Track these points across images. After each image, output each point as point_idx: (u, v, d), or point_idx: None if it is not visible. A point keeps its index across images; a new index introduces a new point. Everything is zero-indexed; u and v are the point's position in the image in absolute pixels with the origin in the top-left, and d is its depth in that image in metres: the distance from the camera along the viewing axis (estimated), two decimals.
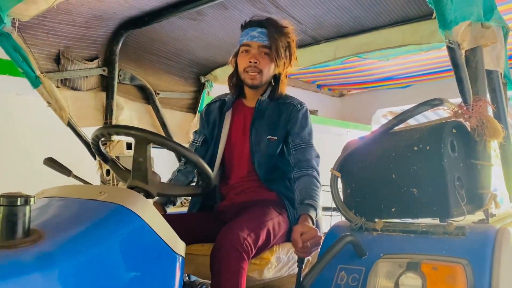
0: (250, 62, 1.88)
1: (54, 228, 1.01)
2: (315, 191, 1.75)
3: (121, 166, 1.56)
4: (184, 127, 2.94)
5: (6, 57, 2.72)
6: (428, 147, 1.30)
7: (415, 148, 1.32)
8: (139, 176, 1.37)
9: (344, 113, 6.00)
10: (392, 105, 5.94)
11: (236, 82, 2.02)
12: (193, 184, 2.02)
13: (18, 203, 0.93)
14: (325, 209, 2.02)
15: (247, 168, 1.94)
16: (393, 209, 1.36)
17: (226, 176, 1.99)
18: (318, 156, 1.91)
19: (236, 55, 1.99)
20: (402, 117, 1.41)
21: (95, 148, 1.57)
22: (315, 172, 1.83)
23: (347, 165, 1.49)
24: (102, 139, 1.54)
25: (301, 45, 2.58)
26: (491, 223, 1.32)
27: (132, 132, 1.39)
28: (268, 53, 1.88)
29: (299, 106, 1.97)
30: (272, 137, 1.91)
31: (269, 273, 1.64)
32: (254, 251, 1.57)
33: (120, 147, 2.32)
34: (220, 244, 1.52)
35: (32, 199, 0.95)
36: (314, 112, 5.01)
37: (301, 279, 1.30)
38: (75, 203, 1.15)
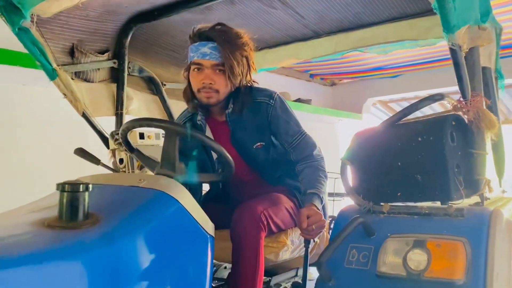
0: (203, 83, 1.76)
1: (107, 212, 1.13)
2: (318, 179, 1.80)
3: (147, 155, 1.67)
4: None
5: (12, 47, 2.78)
6: (431, 138, 1.45)
7: (419, 139, 1.47)
8: (167, 165, 1.49)
9: (335, 102, 6.15)
10: (382, 94, 6.11)
11: (192, 99, 1.89)
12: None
13: (80, 190, 1.05)
14: (329, 194, 2.16)
15: (248, 174, 1.98)
16: (398, 194, 1.51)
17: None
18: (314, 144, 1.91)
19: (188, 69, 1.86)
20: (407, 110, 1.55)
21: (123, 138, 1.67)
22: (317, 161, 1.87)
23: (356, 154, 1.63)
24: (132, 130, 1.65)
25: (302, 39, 2.71)
26: (486, 205, 1.48)
27: (163, 125, 1.51)
28: (223, 70, 1.75)
29: (271, 101, 1.87)
30: (259, 143, 1.88)
31: (284, 255, 1.78)
32: (270, 225, 1.67)
33: (133, 137, 2.42)
34: (239, 216, 1.63)
35: (91, 185, 1.07)
36: (308, 101, 5.13)
37: (319, 257, 1.44)
38: (119, 189, 1.27)
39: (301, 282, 1.84)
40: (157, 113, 2.85)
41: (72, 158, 2.28)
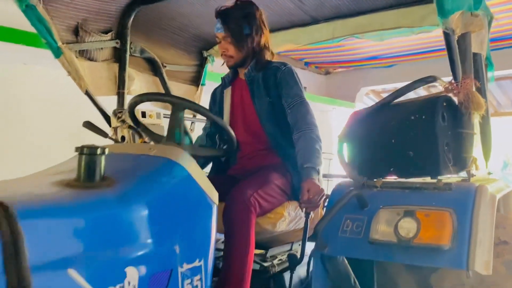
0: (221, 52, 2.15)
1: (121, 176, 1.20)
2: (313, 153, 1.91)
3: (152, 130, 1.75)
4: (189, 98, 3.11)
5: (14, 25, 2.82)
6: (423, 117, 1.54)
7: (412, 118, 1.56)
8: (172, 139, 1.57)
9: (329, 90, 6.24)
10: (376, 83, 6.21)
11: None
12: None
13: (98, 153, 1.12)
14: (323, 175, 2.25)
15: (255, 135, 2.14)
16: (391, 169, 1.61)
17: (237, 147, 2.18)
18: (310, 111, 2.06)
19: None
20: (401, 91, 1.64)
21: (130, 113, 1.74)
22: (311, 130, 1.98)
23: (352, 132, 1.72)
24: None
25: (301, 24, 2.77)
26: (472, 182, 1.58)
27: (170, 99, 1.58)
28: (230, 41, 2.08)
29: (282, 67, 2.13)
30: (270, 99, 2.11)
31: (281, 226, 1.87)
32: (260, 206, 1.77)
33: (136, 115, 2.48)
34: (231, 201, 1.73)
35: (107, 149, 1.14)
36: None
37: (314, 227, 1.54)
38: (131, 157, 1.35)
39: (296, 254, 1.93)
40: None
41: (72, 135, 2.34)
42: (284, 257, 2.08)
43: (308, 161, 1.88)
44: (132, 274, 1.06)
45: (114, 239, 1.06)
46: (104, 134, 1.90)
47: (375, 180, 1.63)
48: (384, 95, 7.12)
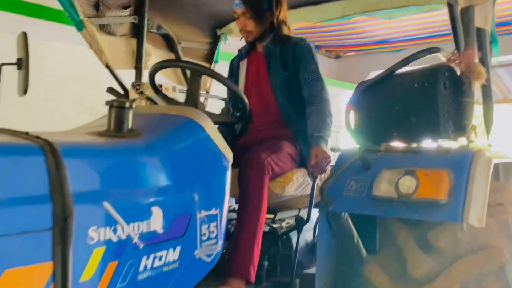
0: (239, 27, 2.23)
1: (147, 130, 1.32)
2: (323, 124, 2.00)
3: (169, 97, 1.86)
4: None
5: (35, 1, 2.93)
6: (425, 84, 1.64)
7: (415, 86, 1.66)
8: (191, 103, 1.68)
9: (339, 74, 6.30)
10: (385, 67, 6.24)
11: None
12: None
13: (126, 106, 1.25)
14: (332, 149, 2.37)
15: (268, 107, 2.24)
16: (394, 134, 1.71)
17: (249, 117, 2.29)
18: (324, 88, 2.14)
19: None
20: (405, 61, 1.74)
21: (151, 80, 1.86)
22: (324, 106, 2.07)
23: (359, 101, 1.82)
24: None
25: (312, 3, 2.86)
26: (470, 147, 1.68)
27: (189, 66, 1.69)
28: (249, 16, 2.16)
29: (302, 42, 2.20)
30: (286, 73, 2.19)
31: (289, 190, 1.99)
32: (273, 169, 1.89)
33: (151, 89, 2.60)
34: (246, 163, 1.84)
35: (134, 104, 1.26)
36: None
37: (321, 186, 1.65)
38: (154, 115, 1.47)
39: (303, 217, 2.05)
40: (171, 69, 3.03)
41: (88, 110, 2.45)
42: (292, 221, 2.20)
43: (319, 131, 1.98)
44: (157, 213, 1.19)
45: (142, 181, 1.19)
46: (126, 98, 2.02)
47: (380, 144, 1.74)
48: None
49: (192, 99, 1.67)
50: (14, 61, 1.82)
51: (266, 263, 1.99)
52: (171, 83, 2.94)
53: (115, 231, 1.06)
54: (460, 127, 1.69)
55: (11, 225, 0.87)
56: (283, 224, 2.16)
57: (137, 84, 2.65)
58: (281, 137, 2.16)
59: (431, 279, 1.48)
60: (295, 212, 2.29)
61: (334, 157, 2.05)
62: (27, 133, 1.04)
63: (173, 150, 1.33)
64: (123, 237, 1.09)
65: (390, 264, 1.60)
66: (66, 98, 3.50)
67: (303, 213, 2.33)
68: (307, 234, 2.24)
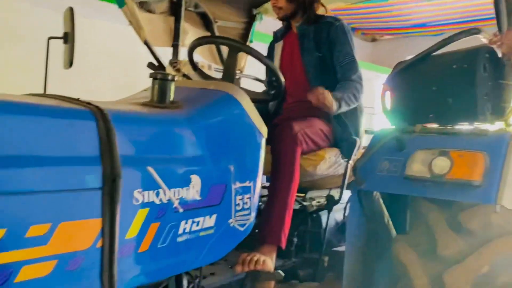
0: (272, 3, 2.24)
1: (186, 102, 1.38)
2: (346, 92, 2.00)
3: (206, 73, 1.91)
4: None
5: None
6: (464, 66, 1.62)
7: (454, 67, 1.64)
8: (228, 79, 1.72)
9: (374, 58, 6.20)
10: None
11: None
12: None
13: (169, 78, 1.30)
14: (366, 131, 2.37)
15: (302, 87, 2.25)
16: (431, 115, 1.71)
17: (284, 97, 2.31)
18: (358, 69, 2.13)
19: None
20: (443, 42, 1.72)
21: (190, 55, 1.91)
22: (353, 83, 2.07)
23: (395, 81, 1.82)
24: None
25: None
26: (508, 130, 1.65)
27: (228, 42, 1.73)
28: None
29: (336, 22, 2.18)
30: (319, 54, 2.19)
31: (321, 169, 2.02)
32: (306, 143, 1.91)
33: (188, 67, 2.66)
34: (280, 135, 1.87)
35: (176, 77, 1.32)
36: None
37: (354, 163, 1.67)
38: (192, 90, 1.52)
39: (333, 196, 2.08)
40: (207, 48, 3.07)
41: (124, 87, 2.54)
42: (322, 200, 2.23)
43: (338, 94, 1.97)
44: (196, 181, 1.25)
45: (182, 150, 1.25)
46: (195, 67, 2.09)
47: (415, 125, 1.74)
48: None
49: (229, 75, 1.71)
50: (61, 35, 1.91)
51: (295, 239, 2.03)
52: (207, 61, 2.99)
53: (157, 194, 1.13)
54: (498, 110, 1.67)
55: (66, 182, 0.95)
56: (313, 203, 2.20)
57: (174, 62, 2.72)
58: (314, 116, 2.17)
59: (460, 259, 1.49)
60: (325, 192, 2.32)
61: (368, 139, 2.06)
62: (78, 99, 1.11)
63: (212, 122, 1.38)
64: (165, 200, 1.15)
65: (419, 244, 1.61)
66: (104, 74, 3.62)
67: (333, 193, 2.36)
68: (337, 214, 2.27)
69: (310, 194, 2.23)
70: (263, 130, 1.58)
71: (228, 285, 1.71)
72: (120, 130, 1.06)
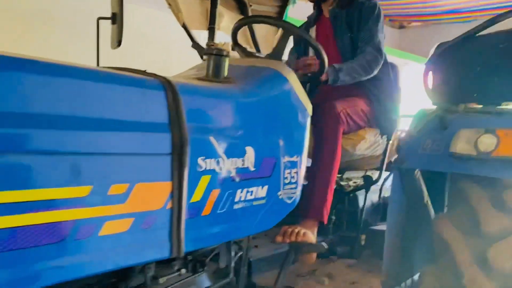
0: None
1: (238, 78, 1.43)
2: (351, 62, 2.02)
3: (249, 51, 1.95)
4: (269, 39, 3.28)
5: None
6: None
7: (500, 46, 1.64)
8: (277, 55, 1.76)
9: (402, 45, 6.13)
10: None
11: None
12: None
13: (224, 54, 1.35)
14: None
15: None
16: (474, 95, 1.71)
17: None
18: (378, 45, 2.13)
19: None
20: (488, 22, 1.72)
21: (233, 36, 1.96)
22: (366, 54, 2.08)
23: (438, 61, 1.83)
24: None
25: None
26: None
27: (275, 22, 1.77)
28: None
29: (367, 2, 2.21)
30: (352, 35, 2.21)
31: (361, 148, 2.05)
32: (347, 122, 1.95)
33: (227, 46, 2.71)
34: (322, 114, 1.91)
35: (229, 53, 1.37)
36: None
37: (398, 141, 1.70)
38: (242, 67, 1.57)
39: (371, 176, 2.11)
40: (242, 31, 3.11)
41: (159, 71, 2.59)
42: (359, 181, 2.27)
43: (340, 65, 1.98)
44: (250, 153, 1.30)
45: (239, 123, 1.30)
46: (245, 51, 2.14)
47: (458, 104, 1.75)
48: None
49: (277, 54, 1.75)
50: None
51: (333, 218, 2.09)
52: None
53: (218, 163, 1.19)
54: None
55: (140, 146, 1.01)
56: (350, 183, 2.24)
57: (211, 44, 2.76)
58: (354, 96, 2.20)
59: (505, 235, 1.50)
60: (361, 173, 2.35)
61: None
62: (145, 71, 1.17)
63: (263, 98, 1.43)
64: (224, 169, 1.21)
65: (461, 221, 1.63)
66: (140, 59, 3.70)
67: (370, 174, 2.39)
68: (374, 194, 2.30)
69: (347, 174, 2.27)
70: (309, 107, 1.62)
71: (270, 257, 1.78)
72: (186, 100, 1.12)
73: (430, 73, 1.84)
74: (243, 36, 3.13)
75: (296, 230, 1.71)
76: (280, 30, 3.34)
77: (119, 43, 1.95)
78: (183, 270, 1.33)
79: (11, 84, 0.79)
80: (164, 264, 1.26)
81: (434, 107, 1.82)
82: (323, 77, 1.92)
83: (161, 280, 1.24)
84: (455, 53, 1.79)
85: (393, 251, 1.79)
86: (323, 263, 2.01)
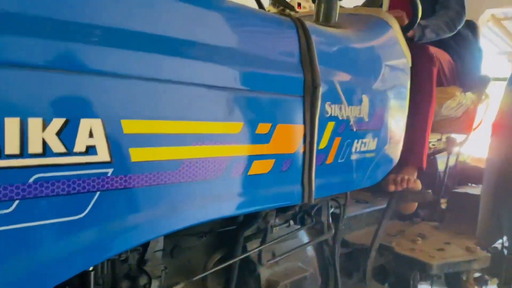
0: None
1: (345, 24, 1.36)
2: (435, 19, 1.86)
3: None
4: None
5: None
6: None
7: None
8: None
9: None
10: (504, 5, 5.69)
11: None
12: None
13: None
14: None
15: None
16: None
17: None
18: (459, 8, 1.97)
19: None
20: None
21: None
22: (449, 10, 1.93)
23: None
24: None
25: None
26: None
27: None
28: None
29: None
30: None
31: (447, 107, 1.95)
32: (440, 65, 1.83)
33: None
34: (415, 56, 1.76)
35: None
36: None
37: None
38: (345, 15, 1.50)
39: (455, 139, 2.03)
40: None
41: None
42: (438, 143, 2.18)
43: (425, 21, 1.80)
44: (366, 101, 1.24)
45: (357, 69, 1.24)
46: (291, 7, 2.07)
47: None
48: (505, 22, 6.48)
49: (375, 3, 1.67)
50: None
51: None
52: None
53: (340, 109, 1.14)
54: None
55: (276, 85, 0.96)
56: (430, 145, 2.16)
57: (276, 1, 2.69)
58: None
59: None
60: (438, 136, 2.26)
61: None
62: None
63: (373, 45, 1.37)
64: (345, 117, 1.16)
65: None
66: None
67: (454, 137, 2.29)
68: (451, 158, 2.22)
69: None
70: (409, 56, 1.55)
71: (359, 216, 1.75)
72: (317, 42, 1.06)
73: None
74: None
75: (406, 177, 1.63)
76: None
77: None
78: (291, 222, 1.31)
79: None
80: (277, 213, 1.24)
81: None
82: (410, 33, 1.81)
83: (274, 230, 1.22)
84: None
85: (486, 213, 1.73)
86: (408, 225, 1.96)
